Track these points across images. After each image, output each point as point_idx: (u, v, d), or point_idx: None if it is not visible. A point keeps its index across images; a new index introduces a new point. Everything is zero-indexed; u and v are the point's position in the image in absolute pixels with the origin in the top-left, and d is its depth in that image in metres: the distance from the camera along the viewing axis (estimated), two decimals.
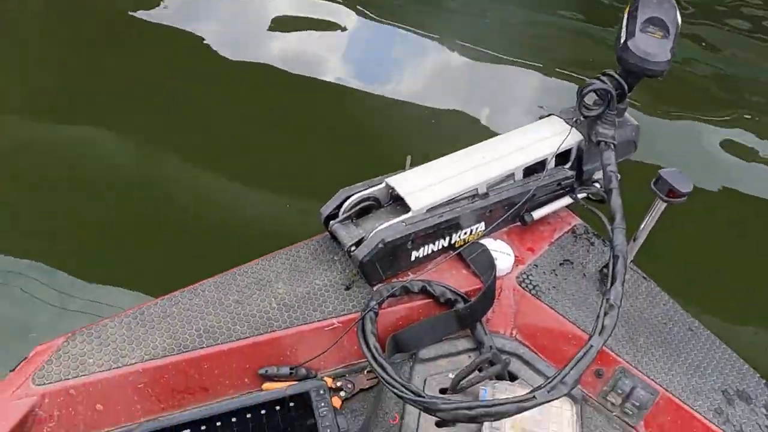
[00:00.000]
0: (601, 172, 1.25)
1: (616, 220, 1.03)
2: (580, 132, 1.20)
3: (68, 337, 0.93)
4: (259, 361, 0.97)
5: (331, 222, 1.09)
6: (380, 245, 1.02)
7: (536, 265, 1.17)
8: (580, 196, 1.24)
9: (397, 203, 1.12)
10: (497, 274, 1.11)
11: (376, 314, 1.02)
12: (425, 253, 1.11)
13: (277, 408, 0.80)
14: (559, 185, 1.22)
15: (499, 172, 1.15)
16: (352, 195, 1.10)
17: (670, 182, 1.02)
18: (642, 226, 1.13)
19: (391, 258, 1.06)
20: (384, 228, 1.04)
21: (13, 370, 0.90)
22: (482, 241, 1.15)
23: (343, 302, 1.04)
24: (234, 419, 0.78)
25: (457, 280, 1.11)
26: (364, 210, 1.12)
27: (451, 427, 0.97)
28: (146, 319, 0.97)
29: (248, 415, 0.79)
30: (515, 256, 1.16)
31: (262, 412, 0.79)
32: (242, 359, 0.96)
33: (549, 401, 0.87)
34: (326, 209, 1.10)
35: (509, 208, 1.16)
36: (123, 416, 0.91)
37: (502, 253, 1.15)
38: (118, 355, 0.92)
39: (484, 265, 1.12)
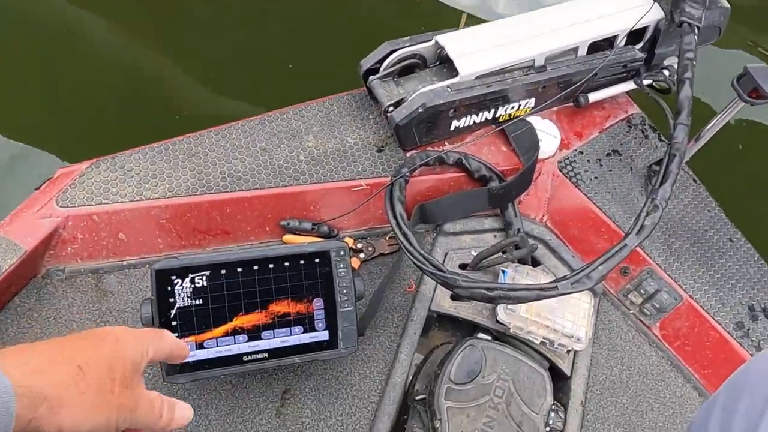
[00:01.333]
0: (673, 58, 1.13)
1: (682, 115, 0.94)
2: (662, 8, 1.06)
3: (92, 164, 0.91)
4: (281, 212, 0.96)
5: (371, 77, 1.01)
6: (420, 109, 0.95)
7: (581, 152, 1.09)
8: (645, 82, 1.12)
9: (445, 65, 1.03)
10: (539, 156, 1.04)
11: (406, 181, 0.97)
12: (466, 124, 1.04)
13: (301, 262, 0.79)
14: (625, 67, 1.10)
15: (561, 45, 1.03)
16: (397, 50, 1.00)
17: (757, 80, 0.90)
18: (710, 125, 1.03)
19: (430, 124, 1.00)
20: (427, 91, 0.96)
21: (38, 189, 0.89)
22: (529, 119, 1.07)
23: (373, 164, 1.00)
24: (256, 267, 0.77)
25: (495, 156, 1.05)
26: (408, 68, 1.03)
27: (466, 302, 0.97)
28: (171, 156, 0.94)
29: (270, 266, 0.78)
30: (561, 139, 1.08)
31: (285, 264, 0.79)
32: (265, 208, 0.94)
33: (570, 293, 0.85)
34: (367, 62, 1.01)
35: (565, 87, 1.06)
36: (145, 248, 0.92)
37: (548, 134, 1.07)
38: (141, 187, 0.91)
39: (527, 144, 1.05)
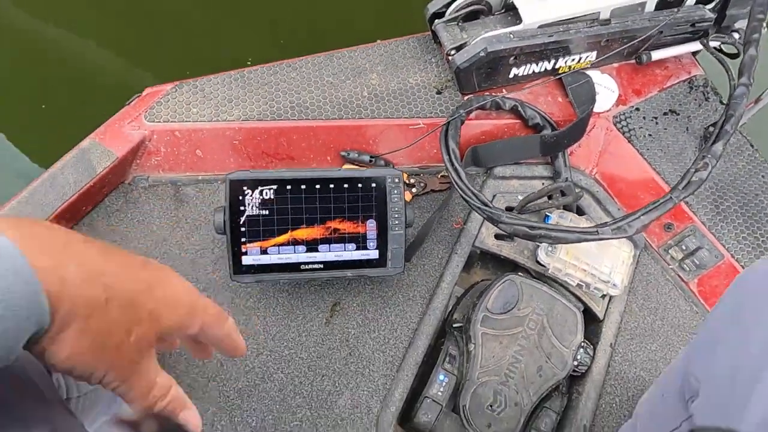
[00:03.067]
0: (744, 21, 1.11)
1: (744, 76, 0.94)
2: None
3: (176, 85, 1.00)
4: (343, 143, 1.03)
5: (436, 21, 1.05)
6: (481, 53, 0.99)
7: (638, 109, 1.11)
8: (712, 44, 1.12)
9: (509, 13, 1.06)
10: (595, 110, 1.07)
11: (462, 122, 1.02)
12: (525, 73, 1.07)
13: (359, 185, 0.86)
14: (693, 27, 1.09)
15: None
16: None
17: None
18: None
19: (489, 70, 1.03)
20: (489, 36, 1.00)
21: (128, 103, 0.99)
22: (588, 72, 1.09)
23: (432, 105, 1.05)
24: (318, 186, 0.85)
25: (551, 107, 1.08)
26: (473, 14, 1.06)
27: (509, 241, 1.02)
28: (246, 83, 1.02)
29: (330, 185, 0.85)
30: (619, 95, 1.10)
31: (345, 186, 0.86)
32: (328, 138, 1.01)
33: (610, 239, 0.89)
34: (433, 6, 1.05)
35: (628, 42, 1.07)
36: (218, 166, 1.01)
37: (606, 88, 1.09)
38: (219, 110, 0.99)
39: (584, 97, 1.08)
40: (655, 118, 1.11)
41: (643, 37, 1.05)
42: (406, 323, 0.96)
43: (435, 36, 1.07)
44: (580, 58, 1.08)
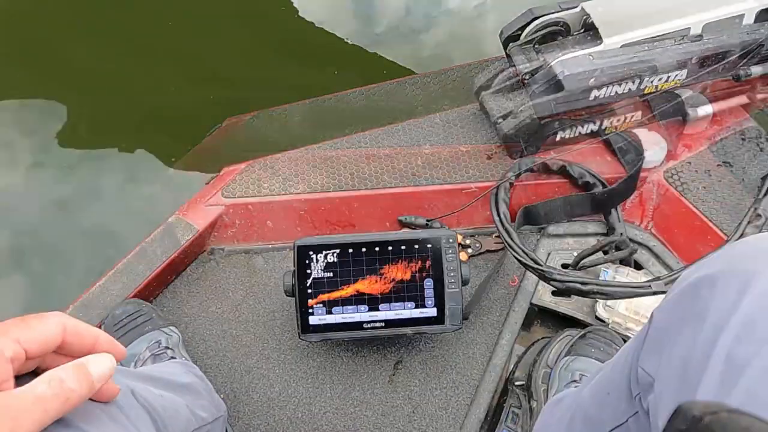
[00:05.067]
0: None
1: None
2: None
3: (249, 164, 1.12)
4: (400, 209, 1.10)
5: (511, 44, 1.05)
6: (527, 120, 1.05)
7: (689, 162, 1.13)
8: None
9: (589, 33, 1.01)
10: (645, 166, 1.09)
11: (511, 185, 1.07)
12: (571, 135, 1.12)
13: (415, 246, 0.92)
14: None
15: (723, 12, 0.96)
16: (540, 17, 1.01)
17: None
18: None
19: (536, 134, 1.09)
20: (565, 59, 0.96)
21: (208, 183, 1.11)
22: (635, 131, 1.13)
23: (482, 170, 1.11)
24: (377, 248, 0.91)
25: (599, 166, 1.12)
26: (550, 36, 1.03)
27: (568, 299, 1.03)
28: (310, 159, 1.12)
29: (389, 248, 0.92)
30: (668, 150, 1.12)
31: (402, 247, 0.92)
32: (386, 205, 1.09)
33: (663, 293, 0.89)
34: (508, 29, 1.05)
35: (723, 59, 0.99)
36: (286, 235, 1.10)
37: (655, 144, 1.12)
38: (286, 184, 1.09)
39: (632, 155, 1.11)
40: (708, 170, 1.12)
41: (742, 52, 0.97)
42: (467, 381, 0.98)
43: (509, 58, 1.05)
44: (668, 77, 1.02)
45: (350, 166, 1.11)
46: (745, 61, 1.01)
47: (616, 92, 1.01)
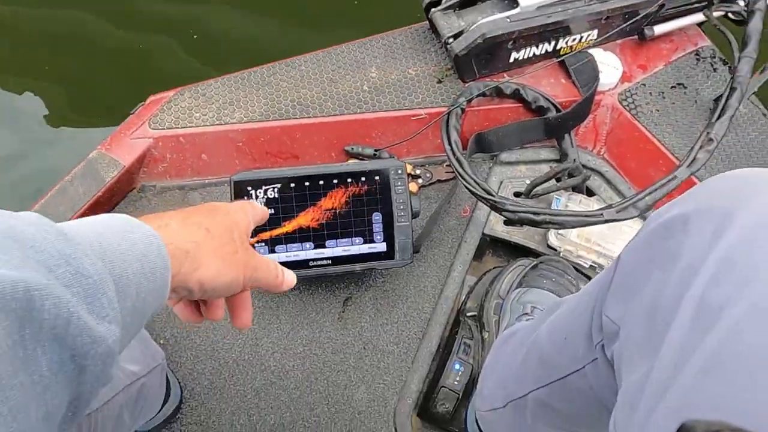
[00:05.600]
0: None
1: (748, 47, 0.92)
2: None
3: (178, 91, 1.01)
4: (346, 138, 1.03)
5: (432, 9, 1.04)
6: (479, 40, 0.98)
7: (644, 84, 1.09)
8: (715, 14, 1.09)
9: None
10: (599, 88, 1.05)
11: (463, 110, 1.02)
12: (525, 56, 1.06)
13: (362, 179, 0.86)
14: None
15: None
16: None
17: None
18: None
19: (489, 56, 1.02)
20: (487, 22, 0.99)
21: (132, 113, 1.00)
22: (591, 51, 1.07)
23: (433, 95, 1.04)
24: (321, 182, 0.85)
25: (554, 89, 1.07)
26: (469, 1, 1.05)
27: (520, 228, 1.01)
28: (246, 84, 1.02)
29: (334, 181, 0.86)
30: (623, 72, 1.08)
31: (348, 180, 0.86)
32: (331, 134, 1.01)
33: (615, 221, 0.88)
34: None
35: (630, 18, 1.05)
36: (223, 168, 1.01)
37: (609, 66, 1.07)
38: (221, 113, 1.00)
39: (587, 76, 1.06)
40: (662, 92, 1.09)
41: (645, 12, 1.04)
42: (418, 314, 0.96)
43: (432, 25, 1.06)
44: (581, 38, 1.06)
45: (290, 92, 1.02)
46: (649, 20, 1.07)
47: (534, 53, 1.06)
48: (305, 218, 0.84)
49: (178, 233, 0.43)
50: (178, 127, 0.99)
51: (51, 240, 0.32)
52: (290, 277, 0.55)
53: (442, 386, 0.91)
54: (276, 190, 0.85)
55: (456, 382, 0.91)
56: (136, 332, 0.38)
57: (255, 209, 0.57)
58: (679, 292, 0.36)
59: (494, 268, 1.04)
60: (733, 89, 0.93)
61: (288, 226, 0.75)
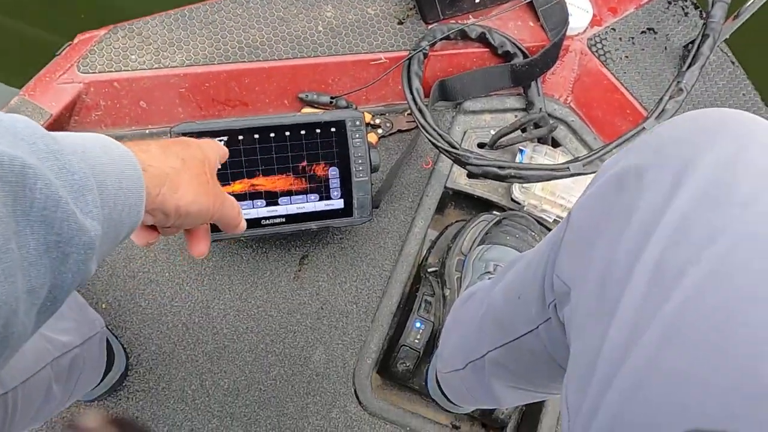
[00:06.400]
0: None
1: None
2: None
3: (110, 30, 0.91)
4: (299, 85, 0.95)
5: None
6: None
7: (614, 29, 1.04)
8: None
9: None
10: (568, 33, 0.99)
11: (425, 55, 0.95)
12: None
13: (317, 131, 0.80)
14: None
15: None
16: None
17: None
18: (750, 2, 0.96)
19: None
20: None
21: (58, 54, 0.89)
22: None
23: (393, 37, 0.97)
24: (272, 134, 0.79)
25: (521, 32, 1.01)
26: None
27: (482, 180, 0.97)
28: (188, 23, 0.93)
29: (287, 133, 0.79)
30: (593, 15, 1.02)
31: (302, 132, 0.79)
32: (283, 80, 0.94)
33: (582, 174, 0.85)
34: None
35: None
36: (165, 117, 0.93)
37: (579, 8, 1.01)
38: (160, 55, 0.90)
39: (556, 19, 1.00)
40: (632, 37, 1.04)
41: None
42: (378, 272, 0.92)
43: None
44: None
45: (237, 32, 0.93)
46: None
47: None
48: (257, 177, 0.78)
49: (157, 157, 0.45)
50: (111, 71, 0.89)
51: (40, 135, 0.32)
52: (244, 222, 0.58)
53: (403, 345, 0.89)
54: (222, 142, 0.77)
55: (416, 341, 0.89)
56: (111, 248, 0.39)
57: (220, 148, 0.59)
58: (635, 252, 0.33)
59: (457, 221, 1.00)
60: (705, 36, 0.89)
61: (236, 186, 0.69)
